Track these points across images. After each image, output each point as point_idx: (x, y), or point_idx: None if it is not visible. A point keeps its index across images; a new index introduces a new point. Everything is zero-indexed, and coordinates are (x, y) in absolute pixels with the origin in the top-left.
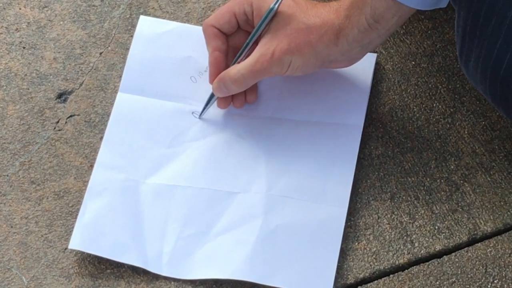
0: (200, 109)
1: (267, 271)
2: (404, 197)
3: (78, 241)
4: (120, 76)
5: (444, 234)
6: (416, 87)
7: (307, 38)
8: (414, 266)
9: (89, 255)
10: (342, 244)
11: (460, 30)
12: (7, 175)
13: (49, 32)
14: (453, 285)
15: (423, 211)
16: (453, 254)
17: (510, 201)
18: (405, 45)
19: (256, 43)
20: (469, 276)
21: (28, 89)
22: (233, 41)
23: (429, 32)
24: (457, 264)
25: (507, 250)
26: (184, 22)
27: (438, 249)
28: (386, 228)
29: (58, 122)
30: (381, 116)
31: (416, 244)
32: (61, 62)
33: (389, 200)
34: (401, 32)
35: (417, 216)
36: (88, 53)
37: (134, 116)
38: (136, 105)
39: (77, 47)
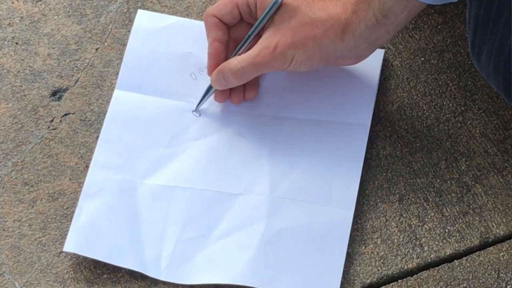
0: (201, 107)
1: (270, 276)
2: (413, 199)
3: (74, 244)
4: (117, 73)
5: (454, 237)
6: (425, 84)
7: (312, 32)
8: (424, 271)
9: (85, 259)
10: (348, 248)
11: (471, 21)
12: None
13: (43, 27)
14: None
15: (433, 214)
16: (464, 258)
17: None
18: (414, 41)
19: (258, 35)
20: (481, 281)
21: (21, 86)
22: (234, 33)
23: (439, 27)
24: (469, 269)
25: None
26: (184, 17)
27: (448, 253)
28: (394, 231)
29: (52, 120)
30: (389, 114)
31: (426, 248)
32: (56, 58)
33: (398, 202)
34: (410, 27)
35: (426, 219)
36: (84, 49)
37: (132, 114)
38: (133, 103)
39: (72, 42)
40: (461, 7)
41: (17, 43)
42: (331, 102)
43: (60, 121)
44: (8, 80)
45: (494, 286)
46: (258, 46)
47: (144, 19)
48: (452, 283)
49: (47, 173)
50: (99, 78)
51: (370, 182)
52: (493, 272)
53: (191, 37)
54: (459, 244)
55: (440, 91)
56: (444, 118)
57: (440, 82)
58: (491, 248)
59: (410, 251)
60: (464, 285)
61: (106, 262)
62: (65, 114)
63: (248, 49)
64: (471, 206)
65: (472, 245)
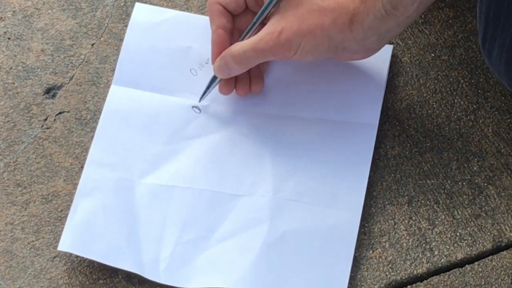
0: (201, 104)
1: (273, 281)
2: (423, 201)
3: (69, 243)
4: (114, 70)
5: (466, 241)
6: (435, 81)
7: (320, 21)
8: (434, 276)
9: (80, 264)
10: (355, 253)
11: (482, 16)
12: None
13: (36, 22)
14: None
15: (443, 217)
16: (476, 263)
17: None
18: (424, 36)
19: (263, 24)
20: (493, 287)
21: (14, 83)
22: (239, 22)
23: (450, 21)
24: (481, 274)
25: None
26: (184, 10)
27: (459, 257)
28: (403, 235)
29: (46, 119)
30: (397, 113)
31: (436, 252)
32: (50, 54)
33: (407, 205)
34: (420, 21)
35: (437, 222)
36: (79, 44)
37: (129, 111)
38: (130, 99)
39: (67, 37)
40: (473, 0)
41: (9, 38)
42: (337, 100)
43: (54, 119)
44: (0, 77)
45: None
46: (262, 31)
47: (142, 12)
48: None
49: (40, 174)
50: (95, 75)
51: (378, 183)
52: (507, 278)
53: (191, 31)
54: (471, 248)
55: (451, 88)
56: (455, 116)
57: (451, 79)
58: (504, 252)
59: (420, 256)
60: None
61: (102, 266)
62: (60, 113)
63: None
64: (483, 209)
65: (485, 249)
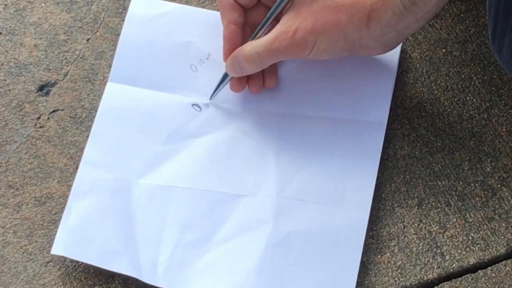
0: (202, 102)
1: (276, 284)
2: (433, 204)
3: (62, 246)
4: (110, 66)
5: (479, 245)
6: (447, 78)
7: (336, 18)
8: (445, 282)
9: (75, 269)
10: (363, 257)
11: (492, 10)
12: None
13: (29, 16)
14: None
15: (455, 220)
16: (489, 268)
17: None
18: (435, 31)
19: (277, 20)
20: None
21: (5, 80)
22: (251, 16)
23: (462, 15)
24: (494, 280)
25: None
26: (184, 3)
27: (472, 262)
28: (413, 238)
29: (39, 118)
30: (407, 111)
31: (447, 257)
32: (43, 50)
33: (417, 207)
34: None
35: (448, 225)
36: (74, 39)
37: (126, 109)
38: (127, 96)
39: (61, 32)
40: None
41: (0, 33)
42: (344, 98)
43: (48, 118)
44: None
45: None
46: (276, 30)
47: (139, 6)
48: None
49: (33, 175)
50: (90, 71)
51: (387, 185)
52: None
53: (191, 26)
54: (484, 252)
55: (463, 85)
56: (468, 115)
57: (463, 76)
58: None
59: (430, 260)
60: None
61: (98, 272)
62: (53, 111)
63: (266, 34)
64: (496, 211)
65: (498, 253)
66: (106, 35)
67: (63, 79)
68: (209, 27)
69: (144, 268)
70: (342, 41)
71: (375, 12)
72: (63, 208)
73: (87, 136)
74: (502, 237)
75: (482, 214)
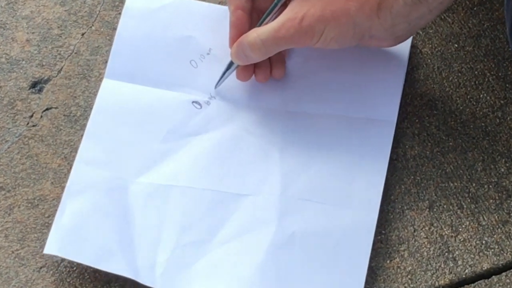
0: (202, 99)
1: (280, 287)
2: (445, 206)
3: (56, 245)
4: (106, 62)
5: (493, 250)
6: (459, 74)
7: (345, 6)
8: None
9: (69, 274)
10: (371, 262)
11: (511, 3)
12: None
13: (21, 9)
14: None
15: (467, 223)
16: (504, 274)
17: None
18: (447, 25)
19: (285, 5)
20: None
21: None
22: (258, 1)
23: (475, 9)
24: (509, 286)
25: None
26: None
27: (485, 267)
28: (424, 243)
29: (32, 116)
30: (417, 109)
31: (460, 262)
32: (36, 45)
33: (427, 210)
34: None
35: (460, 229)
36: (68, 34)
37: (122, 107)
38: (124, 94)
39: (55, 26)
40: None
41: None
42: (352, 95)
43: (41, 116)
44: None
45: None
46: (283, 17)
47: None
48: None
49: (25, 176)
50: (85, 67)
51: (396, 186)
52: None
53: (191, 19)
54: (498, 257)
55: (476, 82)
56: (481, 113)
57: (476, 72)
58: None
59: (442, 266)
60: None
61: (94, 277)
62: (47, 109)
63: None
64: (511, 214)
65: None
66: (102, 29)
67: (56, 76)
68: (210, 21)
69: (142, 269)
70: (351, 30)
71: (386, 1)
72: (57, 210)
73: (82, 136)
74: None
75: (496, 217)
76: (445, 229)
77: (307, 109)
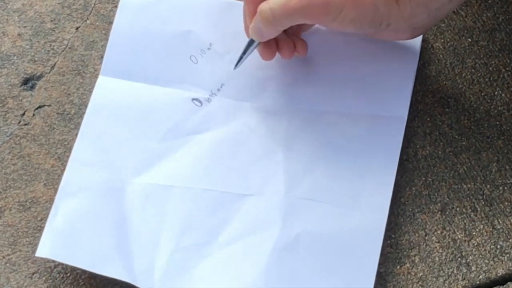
0: (203, 96)
1: None
2: (458, 209)
3: (49, 248)
4: (102, 57)
5: (508, 255)
6: (473, 70)
7: None
8: None
9: (63, 281)
10: (380, 267)
11: None
12: None
13: (12, 2)
14: None
15: (481, 227)
16: None
17: None
18: (460, 18)
19: None
20: None
21: None
22: None
23: (489, 1)
24: None
25: None
26: None
27: (500, 273)
28: (436, 247)
29: (23, 114)
30: (429, 107)
31: (473, 268)
32: (28, 40)
33: (440, 213)
34: None
35: (474, 233)
36: (62, 28)
37: (119, 105)
38: (121, 91)
39: (48, 20)
40: None
41: None
42: (360, 91)
43: (33, 114)
44: None
45: None
46: None
47: None
48: None
49: (17, 178)
50: (80, 63)
51: (407, 188)
52: None
53: (191, 13)
54: None
55: (491, 78)
56: (496, 111)
57: (490, 68)
58: None
59: (455, 271)
60: None
61: (89, 284)
62: (39, 107)
63: None
64: None
65: None
66: (97, 23)
67: (49, 72)
68: (211, 14)
69: (139, 273)
70: (371, 13)
71: None
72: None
73: (76, 135)
74: None
75: (511, 220)
76: (458, 233)
77: (312, 106)
